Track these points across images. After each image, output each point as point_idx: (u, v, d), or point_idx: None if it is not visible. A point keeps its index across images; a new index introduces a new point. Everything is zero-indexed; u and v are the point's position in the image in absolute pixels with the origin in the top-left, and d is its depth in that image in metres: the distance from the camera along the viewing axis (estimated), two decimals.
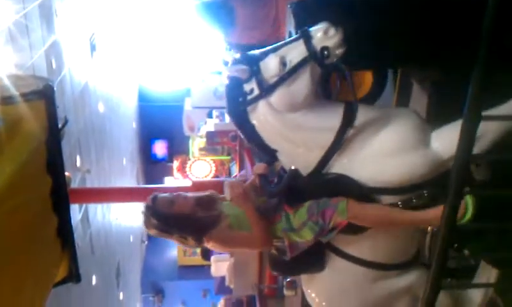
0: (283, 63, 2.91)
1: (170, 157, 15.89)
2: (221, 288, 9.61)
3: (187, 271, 16.18)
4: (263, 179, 3.20)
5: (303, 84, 2.95)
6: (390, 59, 3.55)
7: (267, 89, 2.96)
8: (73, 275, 3.47)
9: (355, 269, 3.21)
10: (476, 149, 2.38)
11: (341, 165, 3.07)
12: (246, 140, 3.35)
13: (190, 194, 3.20)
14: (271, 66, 2.94)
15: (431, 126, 3.07)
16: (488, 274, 3.27)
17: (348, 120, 2.98)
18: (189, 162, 12.86)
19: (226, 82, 3.08)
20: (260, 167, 3.27)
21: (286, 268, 3.45)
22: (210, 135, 10.47)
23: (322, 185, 3.10)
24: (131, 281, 13.95)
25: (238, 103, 3.04)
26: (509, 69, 2.51)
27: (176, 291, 15.95)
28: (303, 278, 3.52)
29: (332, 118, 3.02)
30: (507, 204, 2.68)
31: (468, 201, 2.81)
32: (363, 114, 3.00)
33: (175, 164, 13.33)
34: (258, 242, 3.12)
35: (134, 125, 15.71)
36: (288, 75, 2.92)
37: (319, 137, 3.04)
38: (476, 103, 2.07)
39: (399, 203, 3.01)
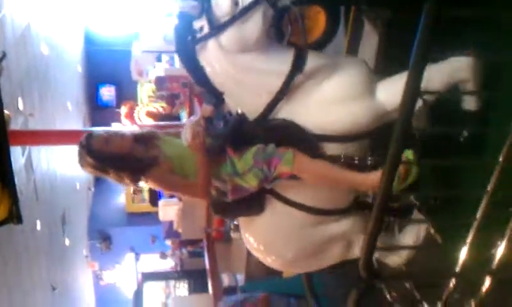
0: (235, 2, 2.86)
1: (118, 102, 15.52)
2: (170, 232, 9.62)
3: (136, 218, 16.11)
4: (209, 122, 3.15)
5: (254, 25, 2.91)
6: None
7: (217, 28, 2.91)
8: (14, 217, 3.39)
9: (294, 213, 3.23)
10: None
11: (288, 111, 3.08)
12: (193, 80, 3.28)
13: (128, 132, 3.11)
14: (222, 4, 2.87)
15: (377, 76, 3.08)
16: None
17: (297, 66, 2.97)
18: (137, 109, 12.62)
19: (176, 19, 3.00)
20: (207, 109, 3.22)
21: (225, 210, 3.41)
22: (159, 81, 10.23)
23: (268, 130, 3.10)
24: (77, 227, 13.86)
25: (187, 41, 2.96)
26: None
27: (124, 237, 15.87)
28: (241, 222, 3.51)
29: (282, 63, 3.00)
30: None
31: (411, 161, 2.89)
32: (312, 61, 2.99)
33: (123, 109, 13.03)
34: (198, 192, 3.09)
35: (80, 68, 15.28)
36: (239, 14, 2.88)
37: (267, 81, 3.02)
38: (425, 40, 2.06)
39: (342, 156, 3.05)
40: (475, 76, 2.85)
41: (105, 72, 15.89)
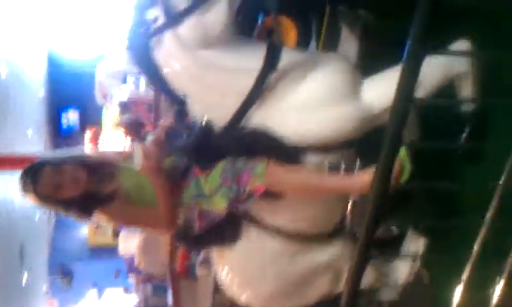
0: None
1: (82, 127, 15.04)
2: (132, 267, 9.09)
3: (99, 251, 15.45)
4: (170, 133, 2.71)
5: (218, 14, 2.46)
6: None
7: (174, 18, 2.46)
8: None
9: (273, 240, 2.79)
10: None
11: (261, 117, 2.61)
12: (149, 83, 2.83)
13: (81, 168, 2.58)
14: None
15: (361, 75, 2.67)
16: (415, 245, 3.01)
17: (271, 62, 2.51)
18: (102, 134, 12.13)
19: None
20: (167, 119, 2.77)
21: (194, 240, 2.90)
22: (123, 105, 9.71)
23: (239, 140, 2.63)
24: (37, 262, 13.13)
25: (139, 34, 2.51)
26: None
27: (87, 272, 15.23)
28: (215, 253, 3.06)
29: (252, 59, 2.55)
30: (436, 169, 2.46)
31: (404, 159, 2.41)
32: (287, 57, 2.56)
33: (87, 135, 12.54)
34: (161, 221, 2.61)
35: (42, 92, 14.80)
36: (201, 1, 2.42)
37: (236, 81, 2.56)
38: (420, 36, 1.64)
39: (328, 164, 2.61)
40: (474, 69, 2.45)
41: (69, 96, 15.42)
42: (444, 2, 1.64)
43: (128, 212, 2.64)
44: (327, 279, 3.00)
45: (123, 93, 10.23)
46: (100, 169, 2.64)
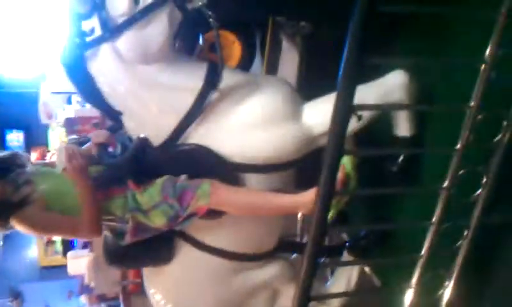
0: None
1: (27, 148, 14.59)
2: (84, 287, 8.85)
3: (51, 271, 14.88)
4: (102, 149, 2.65)
5: (158, 29, 2.46)
6: (260, 10, 3.17)
7: (112, 31, 2.42)
8: None
9: (210, 260, 2.80)
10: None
11: (200, 136, 2.62)
12: (81, 97, 2.76)
13: None
14: (118, 1, 2.39)
15: (302, 98, 2.71)
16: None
17: (212, 81, 2.52)
18: (49, 154, 11.83)
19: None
20: (100, 134, 2.71)
21: (123, 259, 2.88)
22: (69, 122, 9.50)
23: (176, 158, 2.63)
24: None
25: (73, 45, 2.45)
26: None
27: (38, 293, 14.60)
28: (145, 274, 2.99)
29: (193, 77, 2.56)
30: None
31: (349, 169, 2.46)
32: (228, 77, 2.57)
33: (33, 155, 12.19)
34: (84, 229, 2.54)
35: None
36: (140, 15, 2.41)
37: (175, 98, 2.56)
38: (358, 43, 1.74)
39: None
40: (411, 97, 2.51)
41: (12, 116, 14.94)
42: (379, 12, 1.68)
43: (47, 218, 2.54)
44: (263, 299, 3.01)
45: (68, 112, 10.03)
46: (10, 173, 2.54)
